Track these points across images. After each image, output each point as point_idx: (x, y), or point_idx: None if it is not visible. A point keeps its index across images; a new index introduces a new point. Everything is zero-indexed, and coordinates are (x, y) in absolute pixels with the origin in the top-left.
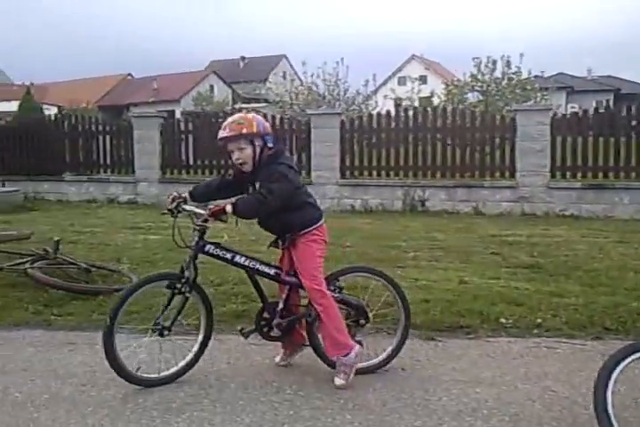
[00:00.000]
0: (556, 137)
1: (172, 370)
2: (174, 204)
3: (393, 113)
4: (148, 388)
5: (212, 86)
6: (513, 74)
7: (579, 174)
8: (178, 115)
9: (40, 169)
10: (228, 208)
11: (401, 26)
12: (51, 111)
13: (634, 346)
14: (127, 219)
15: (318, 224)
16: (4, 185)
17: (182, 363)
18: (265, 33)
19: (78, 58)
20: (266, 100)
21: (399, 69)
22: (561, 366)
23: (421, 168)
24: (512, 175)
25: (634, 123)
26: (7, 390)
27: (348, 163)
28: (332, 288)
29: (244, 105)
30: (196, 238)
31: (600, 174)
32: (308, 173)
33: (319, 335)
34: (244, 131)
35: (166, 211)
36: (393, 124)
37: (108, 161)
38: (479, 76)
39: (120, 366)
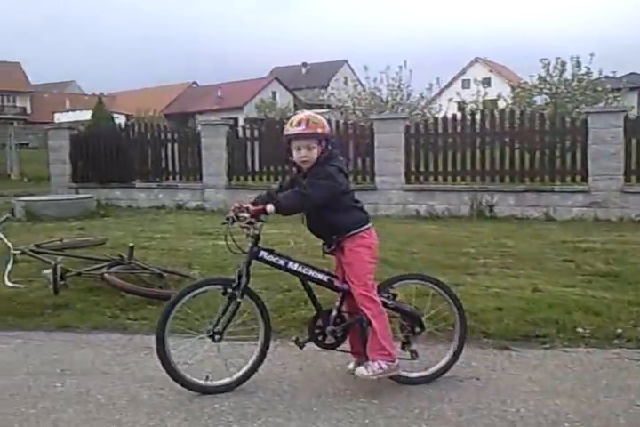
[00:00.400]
0: (631, 139)
1: (234, 377)
2: (233, 213)
3: (459, 117)
4: (220, 393)
5: (274, 93)
6: (583, 75)
7: None
8: (241, 122)
9: (112, 176)
10: (269, 208)
11: (463, 28)
12: (120, 120)
13: None
14: (196, 225)
15: (365, 227)
16: (77, 192)
17: (240, 372)
18: (326, 39)
19: (144, 67)
20: (328, 106)
21: (462, 72)
22: None
23: (489, 173)
24: (584, 179)
25: None
26: (89, 392)
27: (412, 168)
28: (386, 295)
29: (306, 111)
30: (250, 244)
31: None
32: (372, 179)
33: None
34: (319, 130)
35: (225, 220)
36: (459, 128)
37: (177, 168)
38: (547, 78)
39: (178, 374)
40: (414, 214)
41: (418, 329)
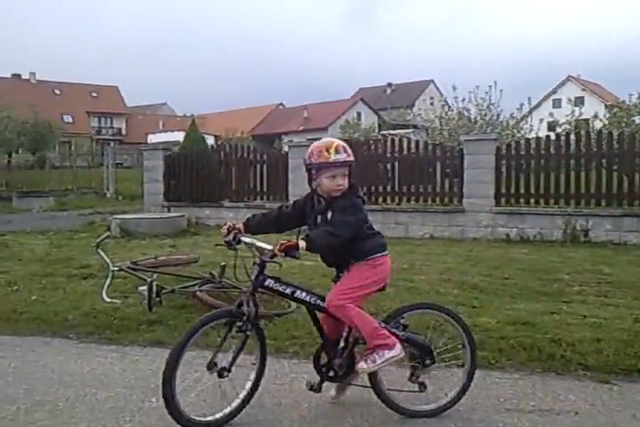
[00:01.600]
0: None
1: (225, 411)
2: (231, 235)
3: (553, 137)
4: None
5: (359, 114)
6: None
7: None
8: None
9: (202, 196)
10: (302, 244)
11: (555, 47)
12: (209, 141)
13: None
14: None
15: (383, 253)
16: (169, 210)
17: (233, 405)
18: (410, 60)
19: (233, 89)
20: (414, 126)
21: (553, 91)
22: None
23: (584, 196)
24: None
25: None
26: None
27: (503, 190)
28: (395, 326)
29: (390, 131)
30: (256, 273)
31: None
32: (460, 201)
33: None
34: (351, 158)
35: (222, 243)
36: (552, 150)
37: (264, 188)
38: None
39: (180, 415)
40: (504, 238)
41: (428, 361)
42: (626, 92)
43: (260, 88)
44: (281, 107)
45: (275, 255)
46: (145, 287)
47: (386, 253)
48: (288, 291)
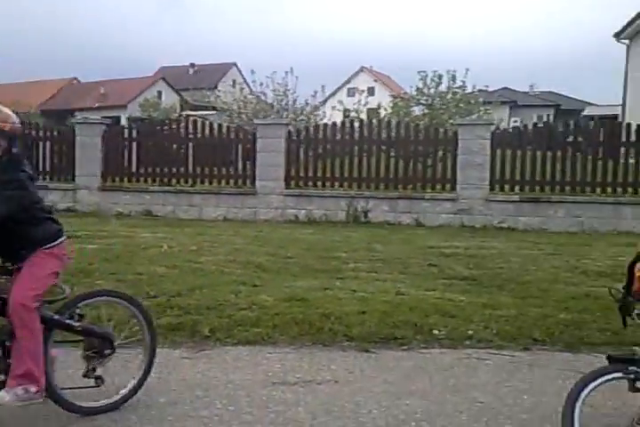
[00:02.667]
0: (496, 151)
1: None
2: None
3: (339, 124)
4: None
5: (159, 92)
6: (457, 88)
7: (517, 188)
8: (123, 121)
9: None
10: None
11: (353, 37)
12: None
13: (601, 370)
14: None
15: (61, 239)
16: None
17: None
18: (215, 40)
19: (23, 59)
20: (214, 108)
21: (348, 81)
22: (489, 377)
23: (365, 180)
24: (453, 188)
25: (570, 138)
26: None
27: (293, 173)
28: (69, 317)
29: (191, 112)
30: None
31: (537, 188)
32: (253, 183)
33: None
34: (6, 127)
35: None
36: (338, 136)
37: (48, 167)
38: (425, 90)
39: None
40: (293, 219)
41: (107, 351)
42: (412, 85)
43: (52, 60)
44: (75, 82)
45: None
46: None
47: (63, 238)
48: None
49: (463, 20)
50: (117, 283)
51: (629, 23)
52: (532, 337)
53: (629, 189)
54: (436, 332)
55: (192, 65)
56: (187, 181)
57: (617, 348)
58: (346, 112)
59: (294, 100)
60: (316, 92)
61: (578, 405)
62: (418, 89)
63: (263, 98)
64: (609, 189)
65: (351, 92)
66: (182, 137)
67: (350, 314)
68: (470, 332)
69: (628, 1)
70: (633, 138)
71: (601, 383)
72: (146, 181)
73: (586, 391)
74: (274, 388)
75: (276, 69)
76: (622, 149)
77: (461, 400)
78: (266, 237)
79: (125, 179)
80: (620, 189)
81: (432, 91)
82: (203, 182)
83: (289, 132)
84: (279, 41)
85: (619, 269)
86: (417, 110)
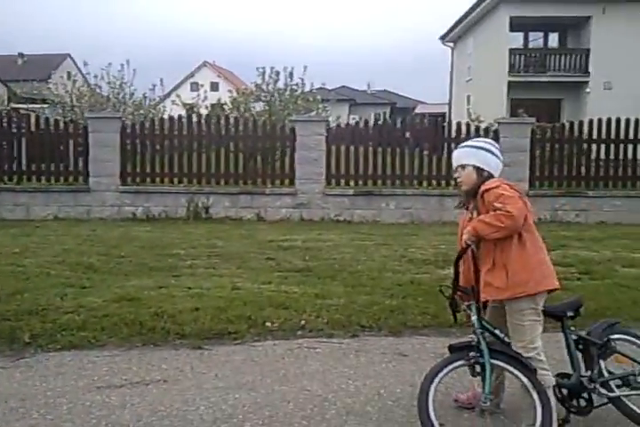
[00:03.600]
0: (331, 146)
1: None
2: None
3: (176, 119)
4: None
5: None
6: (295, 85)
7: (352, 182)
8: None
9: None
10: None
11: (197, 30)
12: None
13: (445, 360)
14: None
15: None
16: None
17: None
18: (48, 30)
19: None
20: (44, 101)
21: (192, 75)
22: (318, 366)
23: (205, 175)
24: (292, 183)
25: (402, 135)
26: None
27: (129, 169)
28: None
29: (20, 105)
30: None
31: (370, 182)
32: (86, 180)
33: None
34: None
35: None
36: (176, 131)
37: None
38: (263, 86)
39: None
40: (130, 217)
41: None
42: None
43: None
44: None
45: None
46: None
47: None
48: None
49: (307, 20)
50: None
51: (452, 27)
52: (360, 324)
53: (452, 182)
54: (269, 324)
55: (21, 55)
56: (11, 179)
57: (436, 330)
58: (186, 106)
59: (132, 94)
60: (154, 86)
61: (430, 398)
62: (257, 85)
63: (99, 91)
64: (434, 183)
65: (195, 87)
66: (8, 132)
67: (184, 311)
68: (302, 322)
69: (452, 6)
70: (454, 134)
71: (447, 373)
72: None
73: (434, 385)
74: (98, 392)
75: (111, 62)
76: (446, 145)
77: (290, 390)
78: (100, 236)
79: None
80: (444, 182)
81: (270, 87)
82: (30, 180)
83: (123, 126)
84: (119, 31)
85: (440, 256)
86: (259, 106)
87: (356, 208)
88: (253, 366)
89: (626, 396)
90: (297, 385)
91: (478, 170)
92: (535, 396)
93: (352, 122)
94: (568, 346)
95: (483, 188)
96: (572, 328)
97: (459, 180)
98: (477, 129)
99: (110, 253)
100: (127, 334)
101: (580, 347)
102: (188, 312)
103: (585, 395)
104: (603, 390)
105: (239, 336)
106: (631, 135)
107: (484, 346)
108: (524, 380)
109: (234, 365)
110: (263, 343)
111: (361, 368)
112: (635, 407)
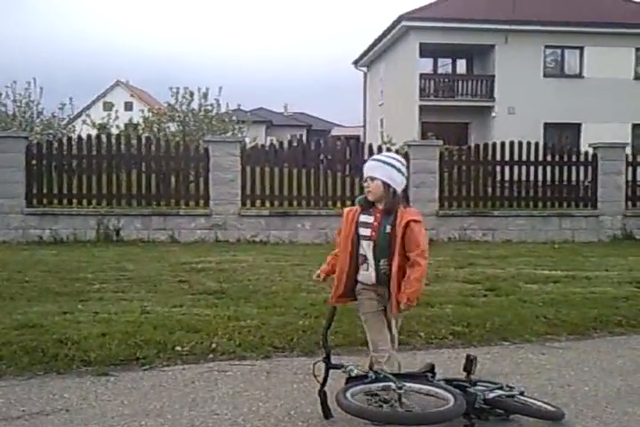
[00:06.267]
0: (247, 167)
1: None
2: None
3: (85, 139)
4: None
5: None
6: (210, 106)
7: (268, 203)
8: None
9: None
10: None
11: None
12: None
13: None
14: None
15: None
16: None
17: None
18: None
19: None
20: None
21: (104, 95)
22: (228, 389)
23: (116, 196)
24: (206, 204)
25: (319, 156)
26: None
27: (35, 190)
28: None
29: None
30: None
31: (286, 203)
32: None
33: None
34: None
35: None
36: (86, 151)
37: None
38: (177, 106)
39: None
40: (37, 240)
41: None
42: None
43: None
44: None
45: None
46: None
47: None
48: None
49: (225, 42)
50: None
51: (365, 52)
52: (272, 345)
53: None
54: (179, 348)
55: None
56: None
57: (347, 349)
58: (97, 126)
59: (39, 113)
60: (63, 105)
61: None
62: (170, 105)
63: (3, 109)
64: (348, 203)
65: (107, 107)
66: None
67: (89, 337)
68: (214, 345)
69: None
70: (367, 156)
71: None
72: None
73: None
74: None
75: (15, 80)
76: (359, 167)
77: (198, 414)
78: (2, 260)
79: None
80: None
81: (184, 107)
82: None
83: (29, 145)
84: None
85: None
86: (173, 127)
87: (271, 229)
88: (161, 392)
89: None
90: (206, 409)
91: (385, 184)
92: None
93: (268, 143)
94: None
95: (409, 217)
96: None
97: (367, 189)
98: (389, 151)
99: (12, 278)
100: (27, 362)
101: None
102: (94, 338)
103: None
104: None
105: (148, 362)
106: (532, 157)
107: None
108: None
109: (141, 391)
110: (173, 368)
111: (272, 390)
112: None
